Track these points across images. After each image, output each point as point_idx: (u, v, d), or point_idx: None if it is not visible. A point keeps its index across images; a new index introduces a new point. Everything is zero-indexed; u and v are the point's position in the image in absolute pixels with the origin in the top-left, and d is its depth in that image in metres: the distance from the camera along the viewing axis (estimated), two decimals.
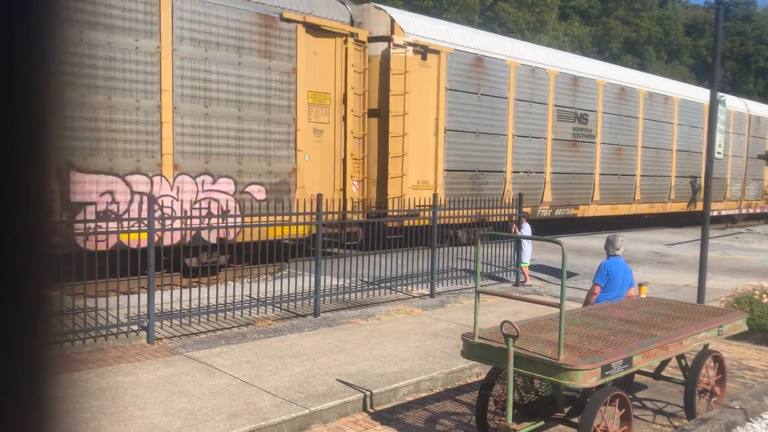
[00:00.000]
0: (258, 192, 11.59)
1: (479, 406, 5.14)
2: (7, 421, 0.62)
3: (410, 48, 14.08)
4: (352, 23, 13.47)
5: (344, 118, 13.06)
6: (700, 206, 24.26)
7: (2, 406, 0.62)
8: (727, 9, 49.48)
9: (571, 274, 12.36)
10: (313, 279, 9.05)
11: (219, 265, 10.22)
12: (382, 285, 10.11)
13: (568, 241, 17.05)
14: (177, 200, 10.43)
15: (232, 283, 8.93)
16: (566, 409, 4.95)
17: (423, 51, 14.38)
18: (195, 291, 8.74)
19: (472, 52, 15.66)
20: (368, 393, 5.87)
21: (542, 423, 5.04)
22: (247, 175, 11.50)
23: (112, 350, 7.02)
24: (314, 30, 12.41)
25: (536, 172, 17.84)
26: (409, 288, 10.73)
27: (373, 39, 13.86)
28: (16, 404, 0.63)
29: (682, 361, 5.82)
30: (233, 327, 8.14)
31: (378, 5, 14.79)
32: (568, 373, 4.28)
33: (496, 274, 12.06)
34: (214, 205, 10.81)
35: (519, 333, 4.42)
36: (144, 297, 7.50)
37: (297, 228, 9.30)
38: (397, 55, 13.95)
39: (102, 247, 7.79)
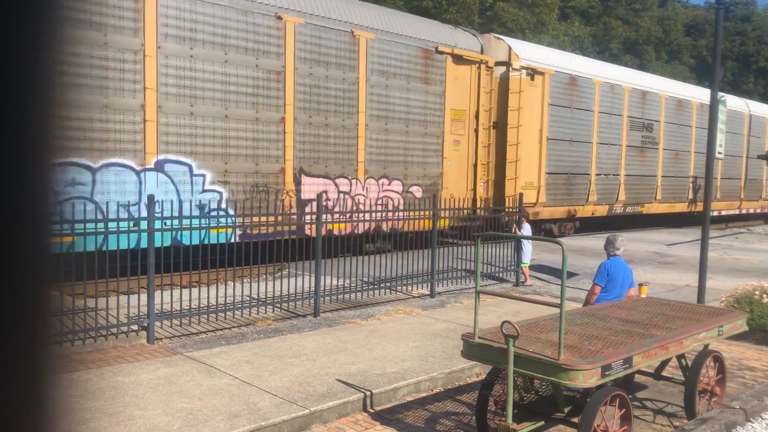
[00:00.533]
0: (417, 191, 14.93)
1: (479, 406, 5.13)
2: (7, 421, 0.62)
3: (523, 71, 16.92)
4: (481, 52, 16.64)
5: (476, 131, 16.32)
6: (744, 205, 27.12)
7: (2, 406, 0.62)
8: (727, 9, 49.46)
9: (571, 274, 12.36)
10: (313, 279, 9.05)
11: (387, 250, 11.80)
12: (382, 285, 10.11)
13: (569, 241, 17.08)
14: (366, 197, 13.75)
15: (232, 283, 8.94)
16: (566, 409, 4.95)
17: (532, 73, 17.18)
18: (195, 291, 8.74)
19: (568, 72, 18.49)
20: (368, 393, 5.87)
21: (542, 423, 5.03)
22: (411, 177, 14.92)
23: (112, 350, 7.02)
24: (457, 59, 15.66)
25: (613, 175, 20.63)
26: (409, 288, 10.73)
27: (495, 64, 16.88)
28: (16, 404, 0.63)
29: (683, 361, 5.81)
30: (233, 327, 8.14)
31: (497, 36, 18.00)
32: (568, 373, 4.28)
33: (496, 274, 12.06)
34: (389, 202, 14.09)
35: (519, 333, 4.42)
36: (144, 297, 7.50)
37: (443, 221, 12.18)
38: (514, 78, 16.85)
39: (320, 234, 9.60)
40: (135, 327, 7.42)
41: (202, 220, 8.32)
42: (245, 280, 9.28)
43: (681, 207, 24.19)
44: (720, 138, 18.03)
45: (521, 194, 13.06)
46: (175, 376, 6.11)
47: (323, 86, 12.98)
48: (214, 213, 10.18)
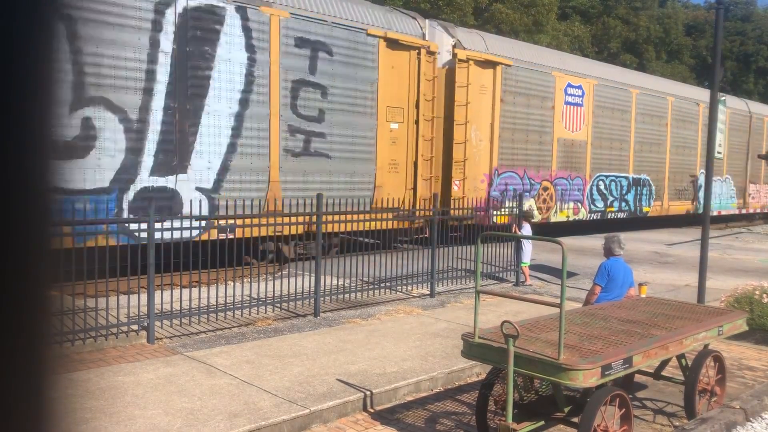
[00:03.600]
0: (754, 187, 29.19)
1: (479, 405, 5.13)
2: (8, 421, 0.62)
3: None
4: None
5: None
6: None
7: (2, 406, 0.62)
8: (727, 9, 49.41)
9: (571, 274, 12.36)
10: (313, 279, 9.05)
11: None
12: (382, 285, 10.11)
13: (569, 241, 17.08)
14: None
15: (232, 283, 8.94)
16: (566, 409, 4.95)
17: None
18: (195, 291, 8.74)
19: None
20: (368, 393, 5.87)
21: (542, 423, 5.03)
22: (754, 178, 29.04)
23: (112, 350, 7.02)
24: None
25: None
26: (409, 288, 10.73)
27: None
28: (17, 404, 0.63)
29: (683, 360, 5.81)
30: (233, 327, 8.14)
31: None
32: (568, 372, 4.28)
33: (496, 274, 12.06)
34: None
35: (519, 333, 4.42)
36: (144, 297, 7.50)
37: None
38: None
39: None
40: (135, 327, 7.42)
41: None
42: (245, 280, 9.28)
43: None
44: (719, 138, 19.21)
45: (521, 194, 13.06)
46: (175, 376, 6.11)
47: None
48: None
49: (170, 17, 10.22)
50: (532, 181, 17.21)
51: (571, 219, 18.71)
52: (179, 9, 10.30)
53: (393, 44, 13.68)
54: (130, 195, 9.96)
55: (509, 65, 16.39)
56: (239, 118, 11.24)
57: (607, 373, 4.43)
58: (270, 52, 11.58)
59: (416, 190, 14.25)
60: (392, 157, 13.73)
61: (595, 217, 19.63)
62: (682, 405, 5.85)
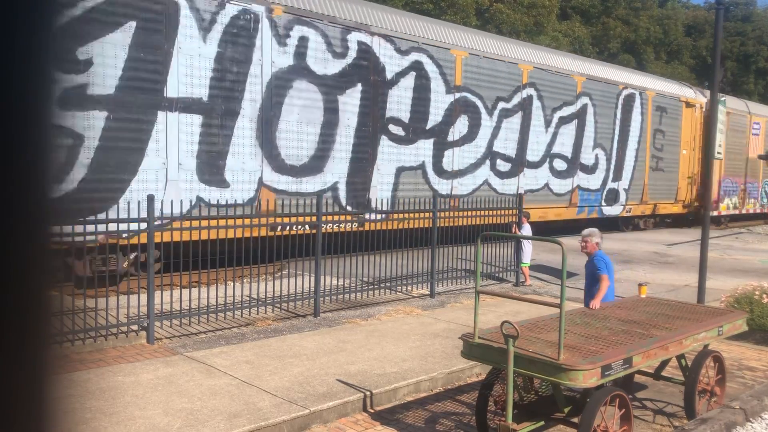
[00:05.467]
0: None
1: (479, 406, 5.13)
2: (7, 421, 0.62)
3: None
4: None
5: None
6: None
7: (2, 406, 0.62)
8: (727, 9, 49.42)
9: (571, 274, 12.35)
10: (313, 279, 9.05)
11: None
12: (382, 285, 10.11)
13: (568, 241, 17.07)
14: None
15: (232, 283, 8.94)
16: (566, 409, 4.95)
17: None
18: (195, 291, 8.74)
19: None
20: (368, 393, 5.87)
21: (542, 423, 5.04)
22: None
23: (112, 350, 7.02)
24: None
25: None
26: (409, 288, 10.73)
27: None
28: (16, 404, 0.63)
29: (682, 361, 5.81)
30: (233, 327, 8.14)
31: None
32: (568, 373, 4.28)
33: (496, 275, 12.06)
34: None
35: (519, 333, 4.42)
36: (144, 297, 7.50)
37: None
38: None
39: None
40: (135, 327, 7.42)
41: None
42: (245, 280, 9.28)
43: None
44: (719, 138, 19.03)
45: (520, 194, 13.08)
46: (175, 376, 6.11)
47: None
48: None
49: (620, 101, 20.98)
50: (735, 185, 27.87)
51: (751, 211, 29.47)
52: (622, 96, 21.04)
53: (686, 104, 24.42)
54: (603, 192, 20.43)
55: (731, 113, 25.97)
56: (634, 152, 21.72)
57: (606, 373, 4.43)
58: (647, 115, 22.17)
59: (692, 191, 24.98)
60: (682, 171, 24.18)
61: (762, 210, 30.35)
62: (682, 405, 5.85)
